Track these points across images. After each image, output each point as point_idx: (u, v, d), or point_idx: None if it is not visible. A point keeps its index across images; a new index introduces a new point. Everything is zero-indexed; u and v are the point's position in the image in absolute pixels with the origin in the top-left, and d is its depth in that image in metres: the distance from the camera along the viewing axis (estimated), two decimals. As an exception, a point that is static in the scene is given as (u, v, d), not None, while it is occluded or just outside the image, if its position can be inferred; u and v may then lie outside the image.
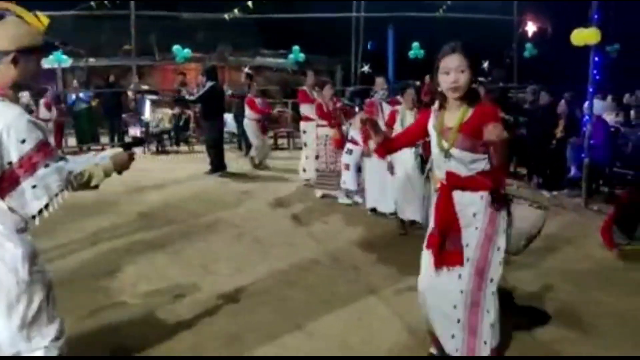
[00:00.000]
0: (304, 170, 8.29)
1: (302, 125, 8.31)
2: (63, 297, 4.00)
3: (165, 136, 12.90)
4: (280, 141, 13.56)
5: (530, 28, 16.85)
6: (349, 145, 7.04)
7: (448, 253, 2.76)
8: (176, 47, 14.30)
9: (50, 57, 13.20)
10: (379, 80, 6.89)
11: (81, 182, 2.16)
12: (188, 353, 3.27)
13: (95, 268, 4.77)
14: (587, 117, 7.40)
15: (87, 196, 7.21)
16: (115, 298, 4.13)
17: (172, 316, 3.79)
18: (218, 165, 9.41)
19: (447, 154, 2.71)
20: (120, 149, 2.38)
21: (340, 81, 18.30)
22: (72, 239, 5.60)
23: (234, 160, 10.63)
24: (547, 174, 8.32)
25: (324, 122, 7.39)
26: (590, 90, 7.19)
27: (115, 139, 13.34)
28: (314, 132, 7.72)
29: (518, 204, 2.89)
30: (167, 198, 7.52)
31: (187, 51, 14.43)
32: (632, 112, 8.31)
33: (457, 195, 2.74)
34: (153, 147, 12.47)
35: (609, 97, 9.41)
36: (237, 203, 7.29)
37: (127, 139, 13.67)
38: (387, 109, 6.41)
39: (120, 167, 2.33)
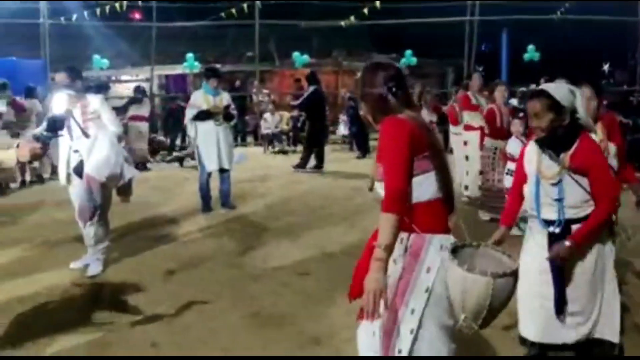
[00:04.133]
0: (466, 187, 7.36)
1: (465, 135, 7.47)
2: (206, 270, 4.92)
3: (284, 137, 13.96)
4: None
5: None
6: (510, 165, 5.56)
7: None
8: (295, 54, 15.26)
9: (184, 63, 14.73)
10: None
11: None
12: (316, 314, 3.95)
13: (230, 248, 5.65)
14: None
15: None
16: (249, 273, 4.93)
17: (298, 289, 4.51)
18: (306, 162, 10.30)
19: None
20: None
21: (451, 83, 18.49)
22: (210, 224, 6.57)
23: (346, 160, 11.44)
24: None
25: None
26: None
27: (239, 139, 14.62)
28: (477, 143, 7.01)
29: (455, 265, 2.09)
30: (288, 193, 8.38)
31: (305, 57, 15.35)
32: None
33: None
34: (274, 147, 13.63)
35: None
36: (348, 198, 7.94)
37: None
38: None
39: None
